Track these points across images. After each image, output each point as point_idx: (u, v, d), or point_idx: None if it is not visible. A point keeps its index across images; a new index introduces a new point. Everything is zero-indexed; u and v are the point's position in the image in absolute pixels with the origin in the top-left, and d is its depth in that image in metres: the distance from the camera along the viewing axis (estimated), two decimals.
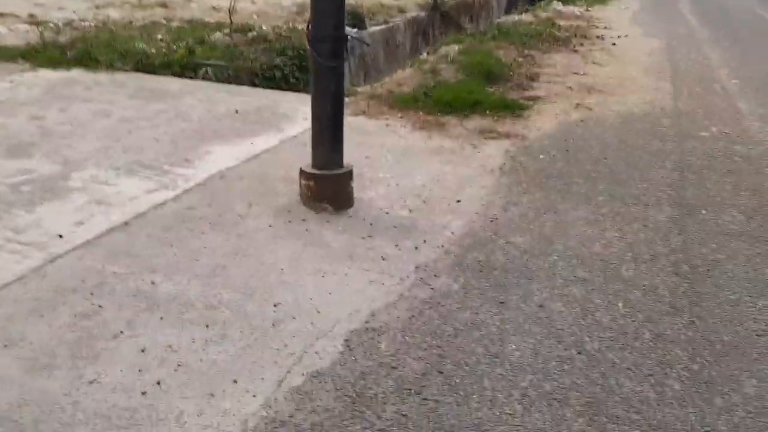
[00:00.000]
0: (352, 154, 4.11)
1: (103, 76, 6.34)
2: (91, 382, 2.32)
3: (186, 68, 6.68)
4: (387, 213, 3.75)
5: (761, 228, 3.77)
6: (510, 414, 2.26)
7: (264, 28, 7.93)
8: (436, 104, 5.78)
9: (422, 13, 10.51)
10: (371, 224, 3.59)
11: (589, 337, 2.70)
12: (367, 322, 2.73)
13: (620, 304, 2.94)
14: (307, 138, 3.84)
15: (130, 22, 8.54)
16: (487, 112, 5.74)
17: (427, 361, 2.51)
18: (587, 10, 13.62)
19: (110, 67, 6.55)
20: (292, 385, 2.35)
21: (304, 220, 3.59)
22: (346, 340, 2.60)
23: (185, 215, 3.58)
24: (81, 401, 2.23)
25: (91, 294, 2.83)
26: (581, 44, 9.58)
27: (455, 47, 8.35)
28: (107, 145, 4.55)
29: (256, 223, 3.54)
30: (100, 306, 2.75)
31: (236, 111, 5.43)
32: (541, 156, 4.80)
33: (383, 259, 3.23)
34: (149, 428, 2.13)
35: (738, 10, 15.52)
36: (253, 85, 6.71)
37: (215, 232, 3.42)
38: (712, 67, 8.41)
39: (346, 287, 2.98)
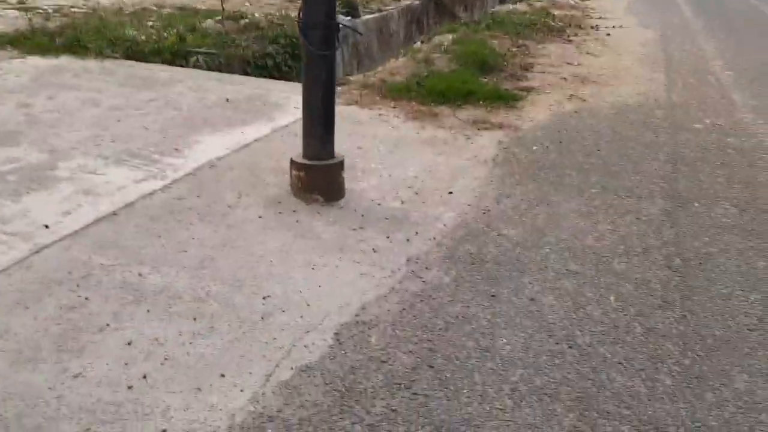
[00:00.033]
0: (343, 144, 4.08)
1: (92, 64, 6.26)
2: (76, 376, 2.28)
3: (177, 56, 6.60)
4: (379, 204, 3.72)
5: (754, 221, 3.76)
6: (500, 409, 2.24)
7: (256, 15, 7.85)
8: (430, 94, 5.74)
9: (416, 2, 10.42)
10: (363, 216, 3.56)
11: (581, 331, 2.68)
12: (357, 315, 2.71)
13: (612, 298, 2.92)
14: (299, 128, 3.79)
15: (120, 9, 8.43)
16: (481, 102, 5.71)
17: (418, 355, 2.48)
18: (582, 0, 13.56)
19: (99, 54, 6.47)
20: (281, 379, 2.32)
21: (294, 211, 3.55)
22: (335, 334, 2.58)
23: (174, 206, 3.54)
24: (65, 395, 2.20)
25: (78, 286, 2.79)
26: (576, 34, 9.54)
27: (449, 36, 8.29)
28: (95, 134, 4.49)
29: (245, 213, 3.50)
30: (86, 298, 2.71)
31: (227, 100, 5.37)
32: (535, 147, 4.77)
33: (374, 252, 3.20)
34: (135, 423, 2.10)
35: (733, 1, 15.48)
36: (245, 73, 6.64)
37: (204, 223, 3.38)
38: (707, 59, 8.38)
39: (337, 280, 2.95)
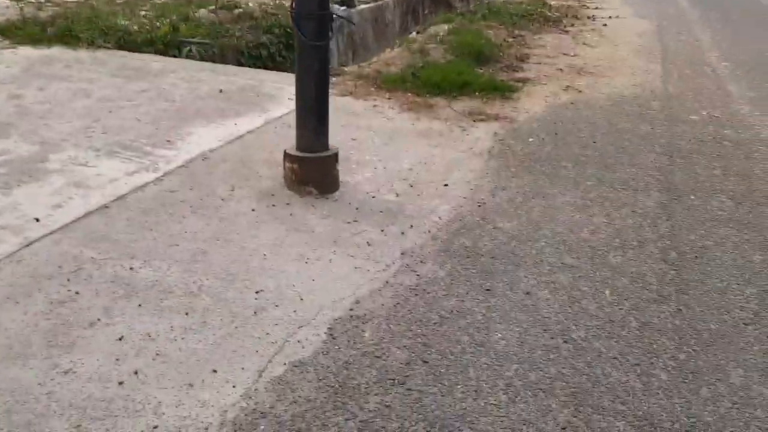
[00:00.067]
0: (338, 135, 4.04)
1: (83, 54, 6.19)
2: (66, 372, 2.26)
3: (169, 46, 6.53)
4: (373, 197, 3.69)
5: (750, 214, 3.74)
6: (495, 404, 2.23)
7: (250, 4, 7.77)
8: (425, 85, 5.70)
9: None
10: (357, 209, 3.53)
11: (576, 325, 2.66)
12: (351, 309, 2.68)
13: (607, 292, 2.90)
14: (293, 119, 3.75)
15: None
16: (476, 93, 5.67)
17: (412, 351, 2.46)
18: None
19: (91, 44, 6.40)
20: (273, 375, 2.30)
21: (288, 204, 3.52)
22: (329, 329, 2.56)
23: (166, 198, 3.50)
24: (55, 391, 2.17)
25: (68, 280, 2.75)
26: (572, 25, 9.50)
27: (445, 27, 8.23)
28: (87, 126, 4.44)
29: (238, 206, 3.46)
30: (76, 292, 2.68)
31: (220, 90, 5.32)
32: (530, 139, 4.74)
33: (369, 245, 3.18)
34: (125, 420, 2.08)
35: None
36: (239, 63, 6.58)
37: (196, 216, 3.34)
38: (703, 49, 8.35)
39: (331, 274, 2.93)
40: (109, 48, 6.39)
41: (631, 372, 2.41)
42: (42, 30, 6.64)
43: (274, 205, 3.49)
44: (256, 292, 2.75)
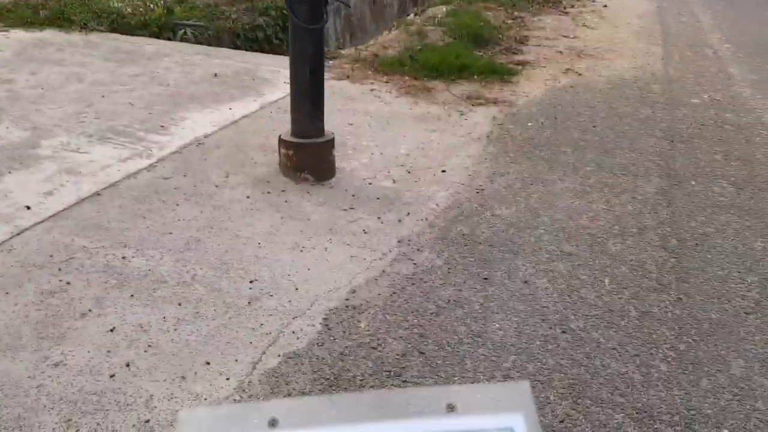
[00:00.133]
0: (334, 120, 3.98)
1: (76, 37, 6.09)
2: (56, 365, 2.22)
3: (164, 29, 6.44)
4: (370, 183, 3.63)
5: (751, 200, 3.70)
6: None
7: None
8: (423, 68, 5.62)
9: None
10: (353, 195, 3.48)
11: (574, 315, 2.63)
12: (347, 299, 2.65)
13: (606, 281, 2.86)
14: (289, 103, 3.68)
15: None
16: (475, 76, 5.59)
17: (408, 341, 2.43)
18: None
19: (84, 27, 6.29)
20: (268, 367, 2.26)
21: (283, 191, 3.47)
22: (324, 319, 2.52)
23: (159, 185, 3.45)
24: (46, 384, 2.14)
25: (59, 270, 2.71)
26: (572, 6, 9.36)
27: (443, 8, 8.12)
28: (79, 111, 4.37)
29: (232, 194, 3.41)
30: (68, 282, 2.63)
31: (215, 74, 5.24)
32: (529, 124, 4.68)
33: (365, 233, 3.13)
34: (117, 413, 2.05)
35: None
36: (235, 46, 6.49)
37: (190, 203, 3.29)
38: (704, 31, 8.25)
39: (326, 263, 2.88)
40: (102, 31, 6.29)
41: (631, 363, 2.38)
42: (34, 12, 6.54)
43: (269, 192, 3.44)
44: (251, 282, 2.70)
